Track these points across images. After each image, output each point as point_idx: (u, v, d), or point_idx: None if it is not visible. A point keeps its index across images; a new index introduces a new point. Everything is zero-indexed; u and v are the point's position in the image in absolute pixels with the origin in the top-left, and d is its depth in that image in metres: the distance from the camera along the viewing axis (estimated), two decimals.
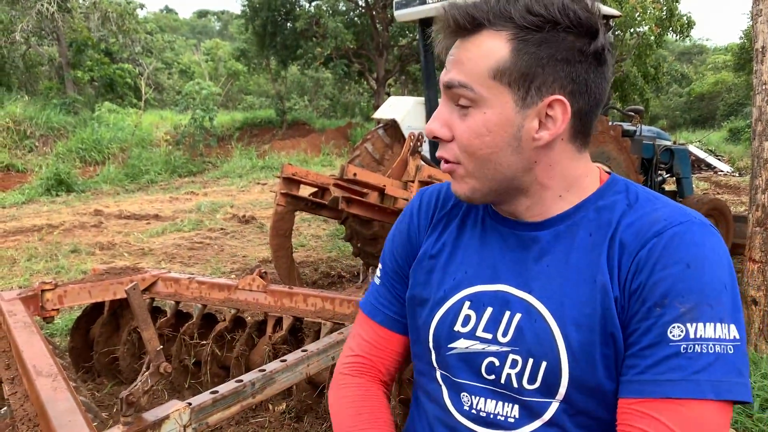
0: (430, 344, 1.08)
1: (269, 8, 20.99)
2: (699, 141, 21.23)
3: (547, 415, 0.97)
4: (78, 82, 21.64)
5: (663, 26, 16.52)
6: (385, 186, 4.82)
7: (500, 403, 1.00)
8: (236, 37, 30.36)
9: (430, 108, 6.32)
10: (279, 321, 3.47)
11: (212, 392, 2.05)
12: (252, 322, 3.63)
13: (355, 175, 4.68)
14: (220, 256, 7.35)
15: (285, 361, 2.34)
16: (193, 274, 4.22)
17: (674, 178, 7.31)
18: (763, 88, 4.16)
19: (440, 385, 1.08)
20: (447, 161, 1.01)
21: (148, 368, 1.80)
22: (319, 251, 7.68)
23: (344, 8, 22.80)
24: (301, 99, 29.27)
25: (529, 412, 0.98)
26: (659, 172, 6.91)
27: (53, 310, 3.49)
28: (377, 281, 1.24)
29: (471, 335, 1.03)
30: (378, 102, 21.38)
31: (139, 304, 1.74)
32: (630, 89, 17.31)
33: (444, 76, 0.97)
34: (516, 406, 0.99)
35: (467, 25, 0.95)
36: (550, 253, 1.00)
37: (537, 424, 0.98)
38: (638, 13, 15.92)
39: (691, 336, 0.86)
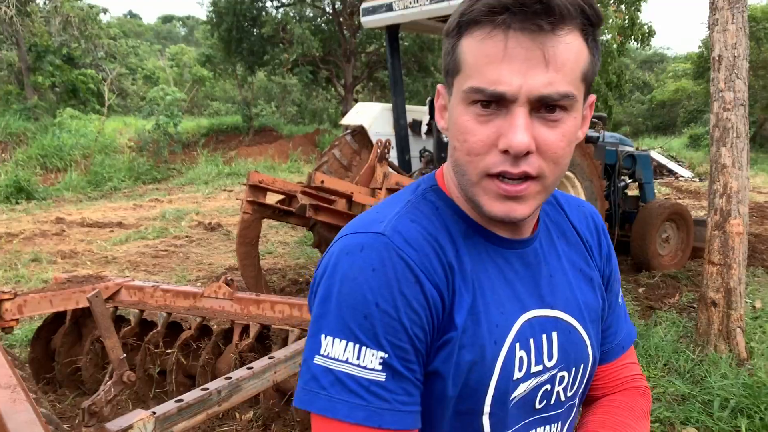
0: (486, 407, 0.91)
1: (235, 14, 20.85)
2: (661, 147, 21.70)
3: (572, 414, 1.05)
4: (39, 88, 21.20)
5: (625, 35, 16.87)
6: (352, 193, 4.82)
7: (548, 426, 1.00)
8: (202, 42, 30.08)
9: (398, 114, 6.35)
10: (246, 329, 3.44)
11: (177, 401, 2.02)
12: (218, 330, 3.60)
13: (322, 182, 4.68)
14: (185, 264, 7.26)
15: (251, 368, 2.32)
16: (157, 282, 4.17)
17: (637, 184, 7.46)
18: (720, 95, 4.28)
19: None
20: (526, 178, 0.85)
21: (111, 377, 1.78)
22: (287, 258, 7.64)
23: (311, 14, 22.78)
24: (268, 105, 29.09)
25: (565, 419, 1.03)
26: (622, 177, 7.05)
27: (12, 320, 3.41)
28: (381, 377, 0.84)
29: (527, 376, 0.94)
30: (346, 108, 21.39)
31: (101, 313, 1.71)
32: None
33: (539, 77, 0.80)
34: (559, 422, 1.02)
35: (558, 15, 0.80)
36: (547, 262, 1.00)
37: (568, 424, 1.04)
38: None
39: (620, 300, 1.16)
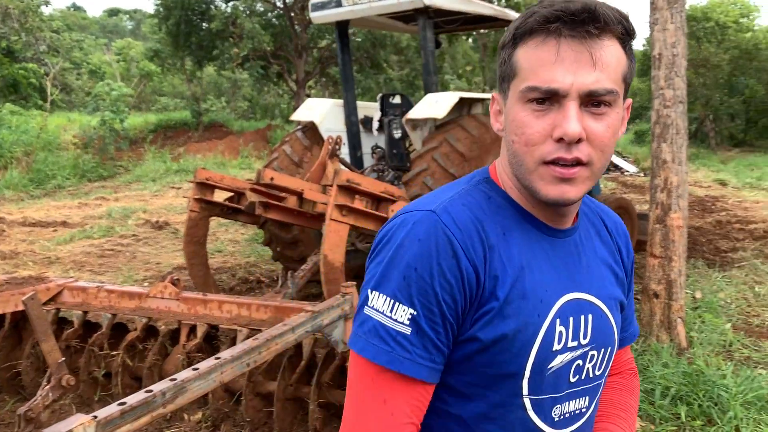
0: (527, 372, 1.03)
1: (183, 7, 20.43)
2: None
3: (599, 393, 1.17)
4: None
5: None
6: (303, 190, 4.79)
7: (577, 400, 1.12)
8: (149, 36, 29.44)
9: (349, 111, 6.34)
10: (193, 329, 3.39)
11: (120, 404, 1.98)
12: (165, 330, 3.54)
13: (272, 179, 4.63)
14: (132, 264, 7.10)
15: (197, 369, 2.28)
16: (102, 282, 4.07)
17: None
18: (660, 93, 4.41)
19: (526, 410, 1.06)
20: (577, 164, 0.97)
21: (49, 382, 1.72)
22: (237, 256, 7.55)
23: (262, 9, 22.50)
24: (218, 100, 28.65)
25: (592, 396, 1.15)
26: None
27: None
28: (408, 331, 0.98)
29: (564, 349, 1.07)
30: (298, 104, 21.21)
31: (38, 315, 1.66)
32: None
33: (587, 76, 0.94)
34: (587, 397, 1.14)
35: (601, 25, 0.94)
36: (585, 254, 1.14)
37: (594, 403, 1.16)
38: None
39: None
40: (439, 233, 0.99)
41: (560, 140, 0.96)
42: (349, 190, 4.47)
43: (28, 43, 22.32)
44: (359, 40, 21.40)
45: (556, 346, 1.05)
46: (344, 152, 6.30)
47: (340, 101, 6.47)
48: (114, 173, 16.17)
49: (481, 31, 17.64)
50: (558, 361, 1.05)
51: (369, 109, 6.68)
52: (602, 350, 1.12)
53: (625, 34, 0.98)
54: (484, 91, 19.83)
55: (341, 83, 6.57)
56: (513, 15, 6.59)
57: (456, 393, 1.06)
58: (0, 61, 21.26)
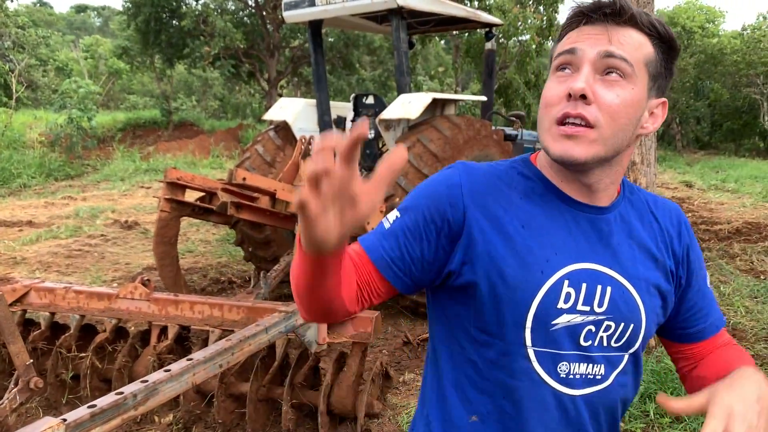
0: (528, 323, 1.12)
1: (153, 5, 20.16)
2: None
3: (621, 366, 1.20)
4: None
5: (543, 35, 17.42)
6: (275, 190, 4.76)
7: (590, 365, 1.17)
8: (118, 34, 28.96)
9: (322, 111, 6.32)
10: (164, 330, 3.35)
11: (90, 406, 1.95)
12: (135, 332, 3.49)
13: (244, 179, 4.59)
14: (100, 264, 6.98)
15: (169, 370, 2.26)
16: (70, 283, 4.00)
17: None
18: None
19: (530, 361, 1.14)
20: (582, 123, 1.07)
21: (16, 384, 1.69)
22: (209, 257, 7.47)
23: (233, 7, 22.32)
24: (188, 99, 28.36)
25: (610, 366, 1.19)
26: None
27: None
28: (387, 226, 1.18)
29: (572, 310, 1.13)
30: (270, 103, 21.08)
31: (4, 317, 1.63)
32: (513, 95, 18.09)
33: (602, 46, 1.07)
34: (603, 365, 1.17)
35: (626, 17, 1.09)
36: (616, 233, 1.20)
37: (614, 374, 1.19)
38: (520, 23, 16.70)
39: (708, 286, 1.33)
40: (452, 173, 1.19)
41: (569, 97, 1.07)
42: None
43: None
44: (332, 40, 21.37)
45: (562, 305, 1.12)
46: None
47: (313, 101, 6.44)
48: (82, 172, 15.87)
49: (454, 32, 17.74)
50: (564, 319, 1.13)
51: (342, 109, 6.67)
52: (623, 324, 1.16)
53: (656, 35, 1.11)
54: (456, 92, 19.94)
55: (314, 83, 6.54)
56: (485, 17, 6.64)
57: (471, 339, 1.17)
58: None
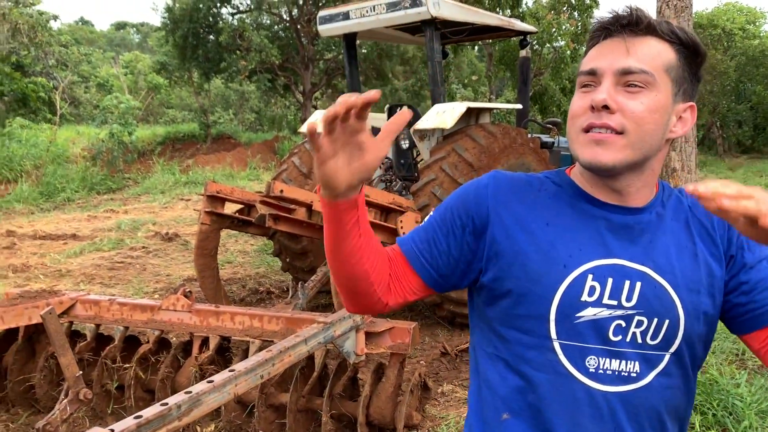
0: (552, 315, 1.14)
1: (191, 20, 20.59)
2: None
3: (662, 366, 1.17)
4: None
5: (578, 41, 17.27)
6: (312, 202, 4.81)
7: (623, 361, 1.15)
8: (156, 50, 29.62)
9: None
10: (205, 341, 3.41)
11: (136, 417, 1.99)
12: (177, 343, 3.55)
13: (281, 191, 4.65)
14: (142, 276, 7.13)
15: (212, 381, 2.30)
16: (113, 295, 4.09)
17: None
18: None
19: (556, 354, 1.15)
20: (607, 130, 1.11)
21: (66, 395, 1.74)
22: (247, 267, 7.57)
23: (268, 22, 22.65)
24: (225, 112, 28.82)
25: (648, 365, 1.16)
26: None
27: None
28: (421, 222, 1.31)
29: (598, 303, 1.14)
30: (305, 115, 21.31)
31: (55, 329, 1.68)
32: (548, 102, 17.97)
33: (620, 61, 1.11)
34: (637, 362, 1.15)
35: (644, 27, 1.13)
36: (650, 232, 1.20)
37: (654, 373, 1.17)
38: (554, 29, 16.58)
39: None
40: (485, 179, 1.26)
41: (592, 109, 1.11)
42: None
43: (37, 58, 22.58)
44: (365, 51, 21.49)
45: (586, 298, 1.14)
46: None
47: None
48: (123, 185, 16.25)
49: (488, 41, 17.69)
50: (590, 313, 1.14)
51: (376, 120, 6.71)
52: (656, 320, 1.15)
53: (678, 42, 1.14)
54: (490, 100, 19.85)
55: None
56: (519, 25, 6.61)
57: (500, 337, 1.21)
58: (10, 76, 21.44)
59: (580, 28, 17.24)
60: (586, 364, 1.15)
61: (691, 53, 1.16)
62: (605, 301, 1.14)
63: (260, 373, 2.56)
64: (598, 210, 1.20)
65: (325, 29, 6.05)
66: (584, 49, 1.24)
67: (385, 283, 1.22)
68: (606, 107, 1.10)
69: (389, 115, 6.44)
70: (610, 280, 1.15)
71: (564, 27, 16.66)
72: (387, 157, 6.46)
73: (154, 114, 30.78)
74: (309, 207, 4.88)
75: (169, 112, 31.47)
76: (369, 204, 4.38)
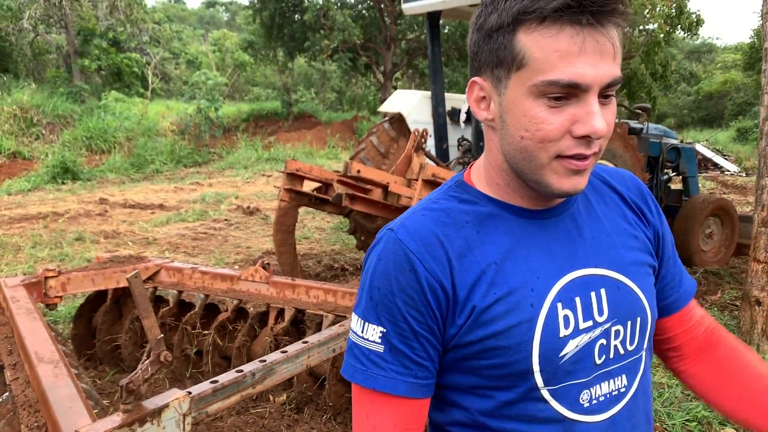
0: (535, 365, 0.97)
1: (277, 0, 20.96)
2: (706, 140, 21.13)
3: (641, 368, 1.09)
4: (85, 71, 21.67)
5: (672, 24, 16.40)
6: (388, 183, 4.82)
7: (611, 381, 1.04)
8: (244, 28, 30.31)
9: (436, 102, 6.31)
10: (281, 312, 3.48)
11: (212, 381, 2.06)
12: (254, 313, 3.65)
13: (359, 171, 4.68)
14: (223, 247, 7.37)
15: (286, 352, 2.34)
16: (196, 264, 4.24)
17: (680, 177, 7.28)
18: None
19: (547, 402, 1.00)
20: (590, 156, 0.94)
21: (148, 356, 1.81)
22: (323, 244, 7.69)
23: (352, 1, 22.74)
24: (307, 91, 29.22)
25: (631, 373, 1.07)
26: (665, 170, 6.88)
27: (56, 297, 3.51)
28: (380, 348, 0.99)
29: (576, 333, 0.99)
30: (385, 95, 21.33)
31: (140, 293, 1.74)
32: (637, 87, 17.22)
33: (607, 72, 0.88)
34: (623, 375, 1.05)
35: (610, 8, 0.87)
36: (587, 225, 1.07)
37: (637, 379, 1.08)
38: (647, 11, 15.83)
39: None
40: (396, 249, 0.98)
41: (582, 137, 0.90)
42: (433, 184, 4.46)
43: (132, 34, 23.54)
44: (447, 31, 21.25)
45: (564, 332, 0.98)
46: (430, 144, 6.29)
47: (428, 93, 6.45)
48: (208, 160, 16.83)
49: None
50: (572, 346, 0.99)
51: (456, 100, 6.63)
52: (629, 323, 1.04)
53: (625, 21, 0.92)
54: None
55: (430, 75, 6.54)
56: None
57: (466, 391, 1.03)
58: (107, 51, 22.48)
59: (674, 9, 16.40)
60: (581, 400, 1.01)
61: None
62: (582, 326, 1.00)
63: (332, 346, 2.59)
64: (529, 221, 1.03)
65: (409, 7, 6.01)
66: (508, 19, 0.90)
67: None
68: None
69: None
70: (578, 300, 1.00)
71: (658, 9, 15.88)
72: (466, 139, 6.38)
73: (239, 91, 31.59)
74: (385, 188, 4.90)
75: (254, 90, 32.21)
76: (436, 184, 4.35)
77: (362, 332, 1.00)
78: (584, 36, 0.86)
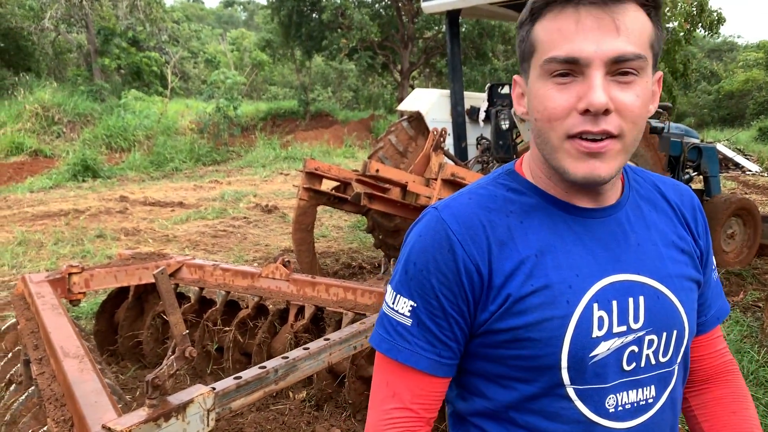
0: (563, 362, 0.97)
1: None
2: (727, 139, 20.88)
3: (672, 381, 1.06)
4: (105, 70, 21.90)
5: (693, 22, 16.23)
6: (407, 182, 4.82)
7: (639, 390, 1.02)
8: (262, 27, 30.45)
9: (455, 101, 6.30)
10: (301, 310, 3.50)
11: (236, 378, 2.07)
12: (274, 310, 3.67)
13: (377, 171, 4.69)
14: (243, 245, 7.41)
15: (308, 349, 2.36)
16: (216, 261, 4.27)
17: (701, 177, 7.20)
18: None
19: (572, 401, 0.99)
20: (607, 136, 0.91)
21: (173, 352, 1.83)
22: (341, 242, 7.70)
23: (370, 0, 22.77)
24: (324, 90, 29.29)
25: (662, 385, 1.05)
26: (686, 170, 6.81)
27: (80, 293, 3.55)
28: (408, 322, 1.01)
29: (609, 336, 0.99)
30: (402, 94, 21.33)
31: (167, 289, 1.76)
32: None
33: (610, 45, 0.88)
34: (652, 386, 1.03)
35: None
36: (634, 231, 1.05)
37: (667, 392, 1.06)
38: (668, 9, 15.68)
39: (714, 275, 1.20)
40: (438, 228, 1.00)
41: (586, 112, 0.90)
42: (452, 184, 4.46)
43: (151, 33, 23.76)
44: (465, 30, 21.19)
45: (597, 332, 0.97)
46: (448, 143, 6.27)
47: (447, 92, 6.43)
48: (227, 158, 16.92)
49: None
50: (603, 348, 0.98)
51: (475, 99, 6.61)
52: (664, 334, 1.02)
53: (648, 3, 0.92)
54: None
55: (448, 73, 6.53)
56: None
57: (491, 380, 1.04)
58: (127, 50, 22.69)
59: (695, 7, 16.22)
60: (606, 405, 1.00)
61: (658, 13, 0.94)
62: (615, 329, 0.99)
63: (353, 344, 2.60)
64: (577, 218, 1.02)
65: (428, 6, 6.00)
66: (527, 15, 0.97)
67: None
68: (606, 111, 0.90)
69: (490, 95, 6.33)
70: (614, 304, 0.99)
71: (679, 7, 15.72)
72: (485, 138, 6.36)
73: (257, 90, 31.73)
74: (404, 187, 4.89)
75: (272, 89, 32.35)
76: (455, 183, 4.34)
77: (393, 304, 1.03)
78: (583, 13, 0.89)
